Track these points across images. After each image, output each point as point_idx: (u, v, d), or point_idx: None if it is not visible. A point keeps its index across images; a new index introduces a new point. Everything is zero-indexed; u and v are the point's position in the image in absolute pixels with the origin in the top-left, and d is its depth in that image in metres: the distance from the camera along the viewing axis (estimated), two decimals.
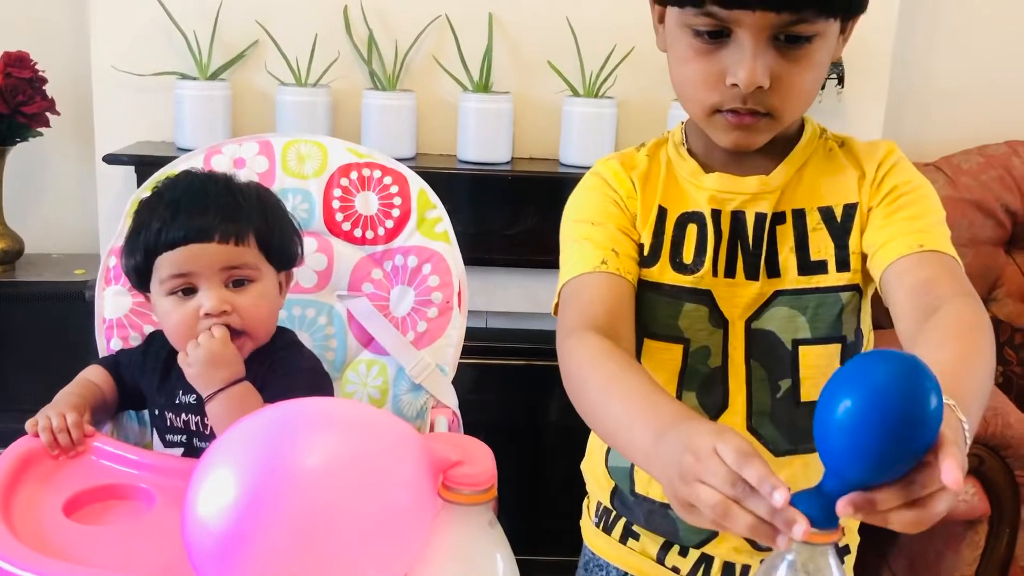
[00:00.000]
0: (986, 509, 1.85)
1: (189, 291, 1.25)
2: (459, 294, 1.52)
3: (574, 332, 0.97)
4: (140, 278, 1.29)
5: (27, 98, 2.15)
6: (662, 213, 1.07)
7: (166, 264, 1.25)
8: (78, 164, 2.37)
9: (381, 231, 1.52)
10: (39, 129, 2.21)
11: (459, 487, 0.70)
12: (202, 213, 1.25)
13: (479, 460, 0.72)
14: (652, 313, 1.07)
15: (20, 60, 2.15)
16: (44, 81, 2.19)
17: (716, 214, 1.05)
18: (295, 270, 1.40)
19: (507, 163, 2.14)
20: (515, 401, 2.24)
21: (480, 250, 1.99)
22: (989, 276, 2.33)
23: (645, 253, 1.06)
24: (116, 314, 1.46)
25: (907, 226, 1.00)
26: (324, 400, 0.74)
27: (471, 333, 1.64)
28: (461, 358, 1.55)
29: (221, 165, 1.49)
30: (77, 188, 2.38)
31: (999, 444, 1.81)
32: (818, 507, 0.67)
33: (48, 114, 2.20)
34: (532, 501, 1.99)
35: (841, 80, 2.10)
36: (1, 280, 2.22)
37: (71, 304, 2.12)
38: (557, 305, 1.05)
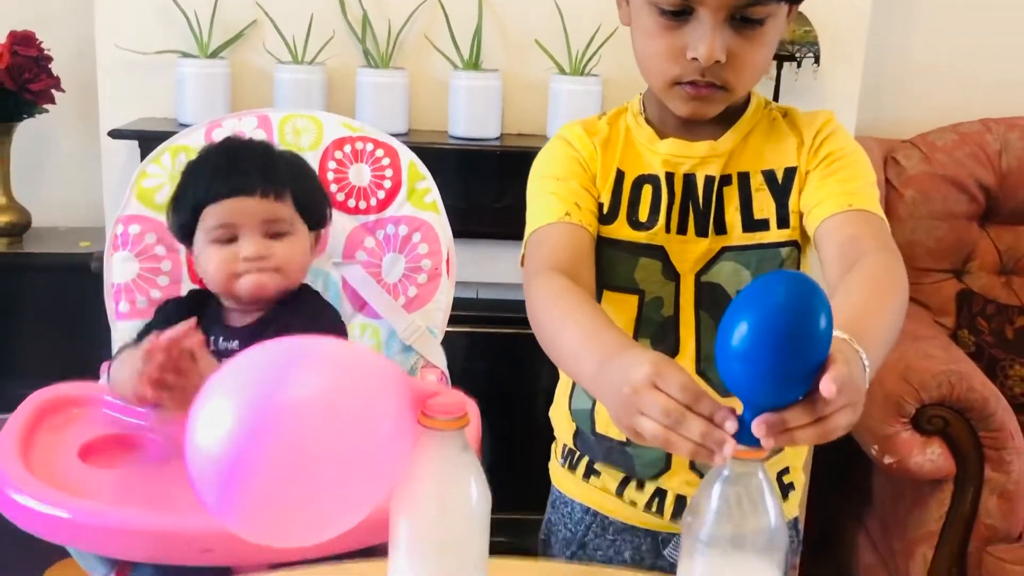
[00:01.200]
0: (952, 469, 1.92)
1: (231, 240, 1.39)
2: (447, 261, 1.60)
3: (538, 273, 1.06)
4: (185, 233, 1.42)
5: (33, 76, 2.22)
6: (620, 175, 1.16)
7: (212, 215, 1.39)
8: (83, 140, 2.44)
9: (373, 201, 1.60)
10: (45, 106, 2.28)
11: (436, 415, 0.79)
12: (246, 172, 1.40)
13: (454, 393, 0.80)
14: (610, 267, 1.16)
15: (26, 39, 2.22)
16: (49, 59, 2.26)
17: (669, 176, 1.14)
18: (325, 232, 1.52)
19: (496, 139, 2.21)
20: (505, 368, 2.32)
21: (470, 223, 2.06)
22: (963, 250, 2.41)
23: (604, 212, 1.15)
24: (124, 279, 1.54)
25: (839, 187, 1.09)
26: (313, 338, 0.81)
27: (462, 303, 1.72)
28: (453, 328, 1.64)
29: (221, 138, 1.57)
30: (82, 163, 2.45)
31: (964, 407, 1.89)
32: (745, 431, 0.76)
33: (53, 91, 2.27)
34: (521, 464, 2.08)
35: (817, 59, 2.17)
36: (9, 252, 2.29)
37: (77, 275, 2.18)
38: (524, 256, 1.15)
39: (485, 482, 0.81)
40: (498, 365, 2.33)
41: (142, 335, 1.43)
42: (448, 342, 1.62)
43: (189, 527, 1.09)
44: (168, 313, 1.45)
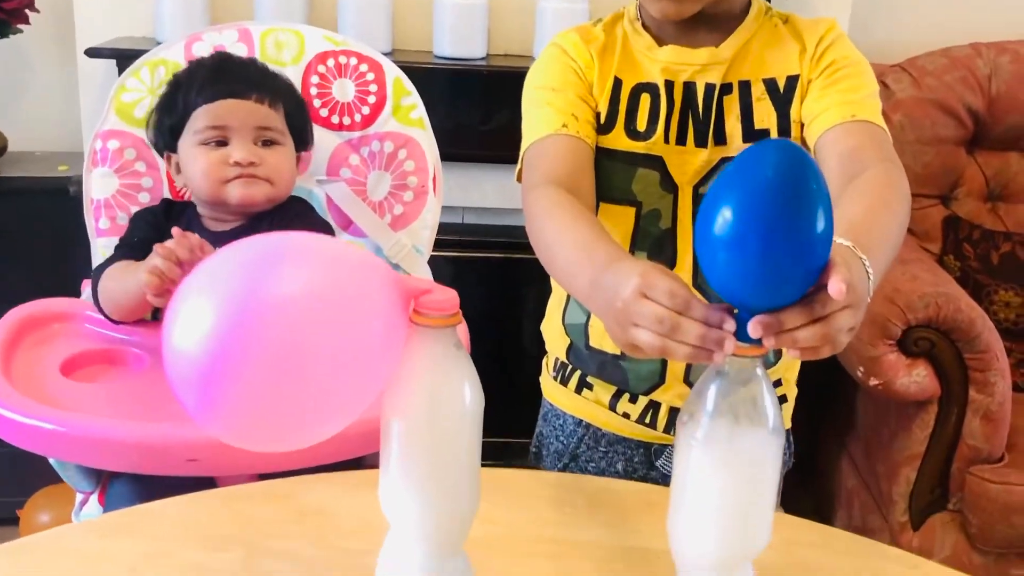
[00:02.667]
0: (936, 390, 1.93)
1: (221, 143, 1.36)
2: (434, 179, 1.58)
3: (537, 186, 1.05)
4: (172, 136, 1.39)
5: None
6: (617, 84, 1.13)
7: (203, 116, 1.36)
8: (59, 61, 2.38)
9: (358, 117, 1.57)
10: (19, 26, 2.22)
11: (428, 312, 0.77)
12: (242, 77, 1.39)
13: (446, 290, 0.78)
14: (607, 178, 1.14)
15: None
16: None
17: (669, 85, 1.12)
18: (306, 155, 1.49)
19: (483, 59, 2.17)
20: (491, 294, 2.31)
21: (456, 146, 2.02)
22: (950, 175, 2.39)
23: (602, 122, 1.13)
24: (103, 195, 1.51)
25: (842, 98, 1.07)
26: (298, 233, 0.79)
27: (447, 228, 1.69)
28: (437, 252, 1.62)
29: (201, 52, 1.53)
30: (58, 85, 2.40)
31: (950, 328, 1.89)
32: (740, 328, 0.74)
33: (27, 11, 2.21)
34: (508, 388, 2.08)
35: None
36: None
37: (55, 199, 2.15)
38: (520, 171, 1.12)
39: (478, 381, 0.80)
40: (483, 290, 2.32)
41: (118, 248, 1.41)
42: (432, 267, 1.60)
43: (175, 436, 1.07)
44: (143, 222, 1.42)
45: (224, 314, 0.72)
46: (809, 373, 2.52)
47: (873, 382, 1.93)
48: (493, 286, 2.32)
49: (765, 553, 0.81)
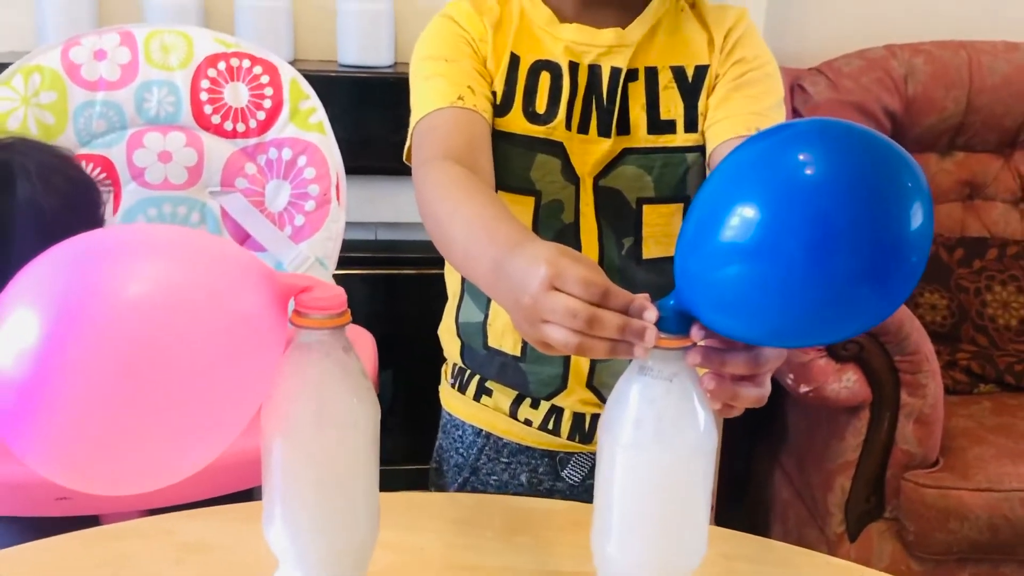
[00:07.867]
0: (867, 395, 1.88)
1: None
2: (337, 187, 1.48)
3: (429, 161, 0.95)
4: None
5: None
6: (515, 60, 1.04)
7: None
8: None
9: (253, 123, 1.47)
10: None
11: (310, 311, 0.67)
12: None
13: (329, 286, 0.68)
14: (505, 164, 1.04)
15: None
16: None
17: (573, 67, 1.04)
18: None
19: (390, 67, 2.09)
20: (407, 311, 2.21)
21: (365, 158, 1.94)
22: None
23: (497, 102, 1.04)
24: None
25: (746, 106, 1.01)
26: (145, 224, 0.68)
27: (361, 245, 1.58)
28: (352, 270, 1.52)
29: (80, 58, 1.43)
30: None
31: (879, 330, 1.84)
32: (667, 318, 0.66)
33: None
34: (422, 410, 1.98)
35: None
36: None
37: None
38: (409, 149, 1.02)
39: (371, 389, 0.70)
40: (400, 309, 2.22)
41: None
42: (347, 285, 1.50)
43: (39, 475, 0.95)
44: None
45: (46, 321, 0.59)
46: None
47: (803, 389, 1.87)
48: (411, 304, 2.22)
49: (700, 568, 0.72)
